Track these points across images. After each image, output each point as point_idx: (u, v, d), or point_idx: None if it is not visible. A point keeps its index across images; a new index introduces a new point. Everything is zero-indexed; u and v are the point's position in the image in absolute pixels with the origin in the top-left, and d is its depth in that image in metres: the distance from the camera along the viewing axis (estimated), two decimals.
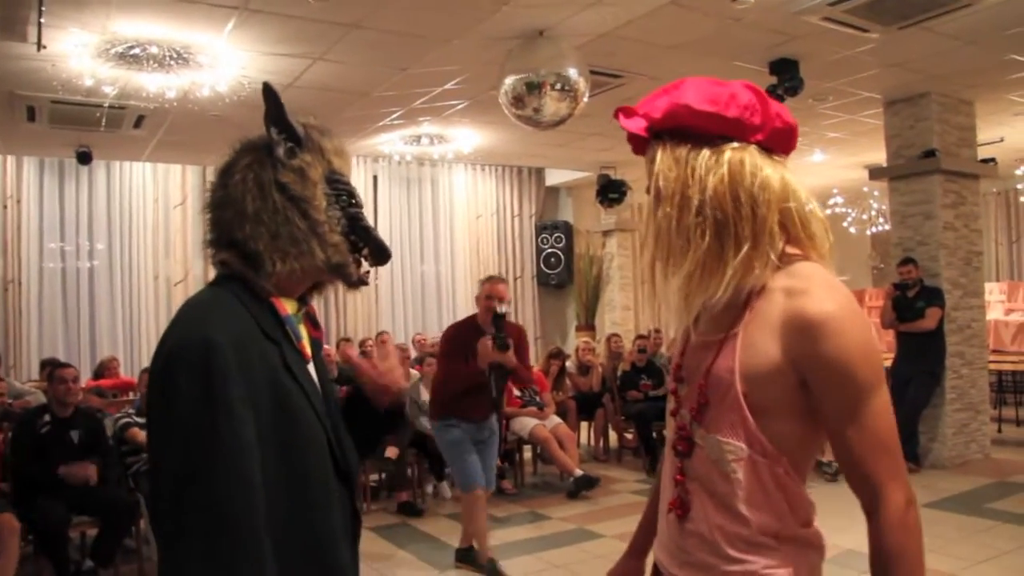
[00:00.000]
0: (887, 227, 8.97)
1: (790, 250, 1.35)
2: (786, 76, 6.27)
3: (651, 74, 6.54)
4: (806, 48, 6.06)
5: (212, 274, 1.50)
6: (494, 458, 5.10)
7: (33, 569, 4.90)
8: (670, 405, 1.49)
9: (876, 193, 11.03)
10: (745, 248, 1.30)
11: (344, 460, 1.50)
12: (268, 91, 1.50)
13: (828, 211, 11.64)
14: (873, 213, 11.28)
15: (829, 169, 10.80)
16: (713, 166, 1.33)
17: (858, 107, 7.89)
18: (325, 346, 8.68)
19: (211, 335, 1.31)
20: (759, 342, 1.30)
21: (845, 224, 11.58)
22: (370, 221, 1.57)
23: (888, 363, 8.65)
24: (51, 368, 5.44)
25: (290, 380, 1.40)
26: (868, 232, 11.55)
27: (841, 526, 5.77)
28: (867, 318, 1.31)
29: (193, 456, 1.25)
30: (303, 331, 1.52)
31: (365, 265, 1.56)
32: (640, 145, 1.45)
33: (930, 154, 7.45)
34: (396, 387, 1.66)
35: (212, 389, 1.27)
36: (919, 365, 7.36)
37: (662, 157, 1.37)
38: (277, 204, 1.44)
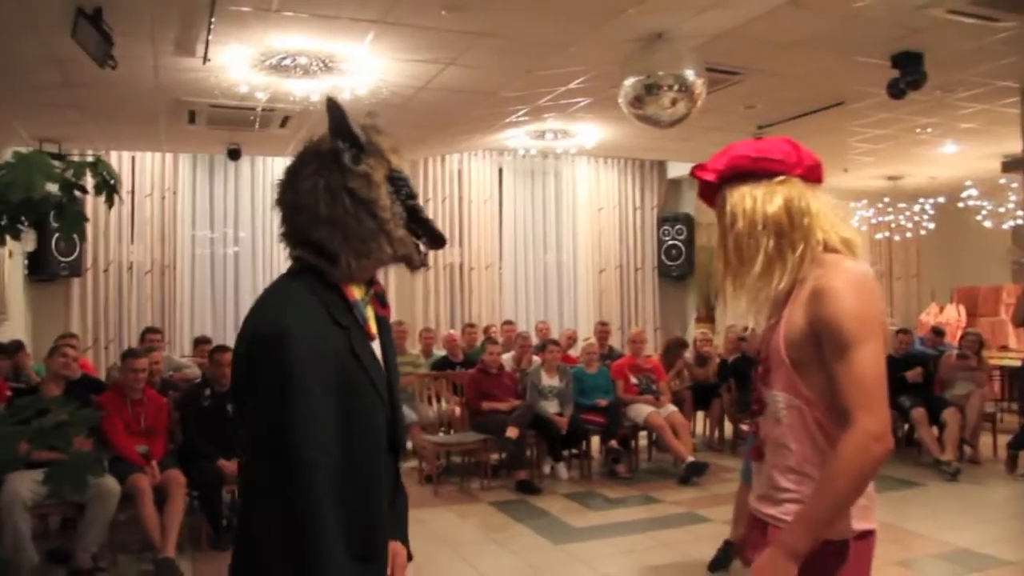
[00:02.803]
0: None
1: (830, 246, 1.77)
2: (909, 70, 6.20)
3: (771, 71, 6.61)
4: (931, 40, 5.95)
5: None
6: None
7: (194, 521, 5.55)
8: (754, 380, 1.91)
9: (1014, 185, 10.60)
10: (801, 247, 1.75)
11: (395, 433, 1.72)
12: (332, 105, 1.66)
13: (961, 204, 11.24)
14: (1011, 206, 10.83)
15: (963, 160, 10.44)
16: (771, 193, 1.80)
17: (994, 96, 7.61)
18: (450, 331, 9.16)
19: (287, 326, 1.52)
20: (795, 315, 1.72)
21: (979, 217, 11.16)
22: (427, 211, 1.76)
23: (1016, 363, 8.41)
24: (212, 351, 6.02)
25: (355, 364, 1.59)
26: (1006, 226, 11.10)
27: (958, 524, 5.81)
28: (871, 291, 1.70)
29: (276, 427, 1.50)
30: (370, 312, 1.70)
31: (425, 249, 1.74)
32: (708, 196, 1.91)
33: None
34: None
35: (288, 373, 1.49)
36: None
37: (731, 194, 1.84)
38: (348, 207, 1.61)
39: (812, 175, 1.83)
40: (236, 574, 1.61)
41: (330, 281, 1.63)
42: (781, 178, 1.79)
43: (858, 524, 1.67)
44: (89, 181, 2.64)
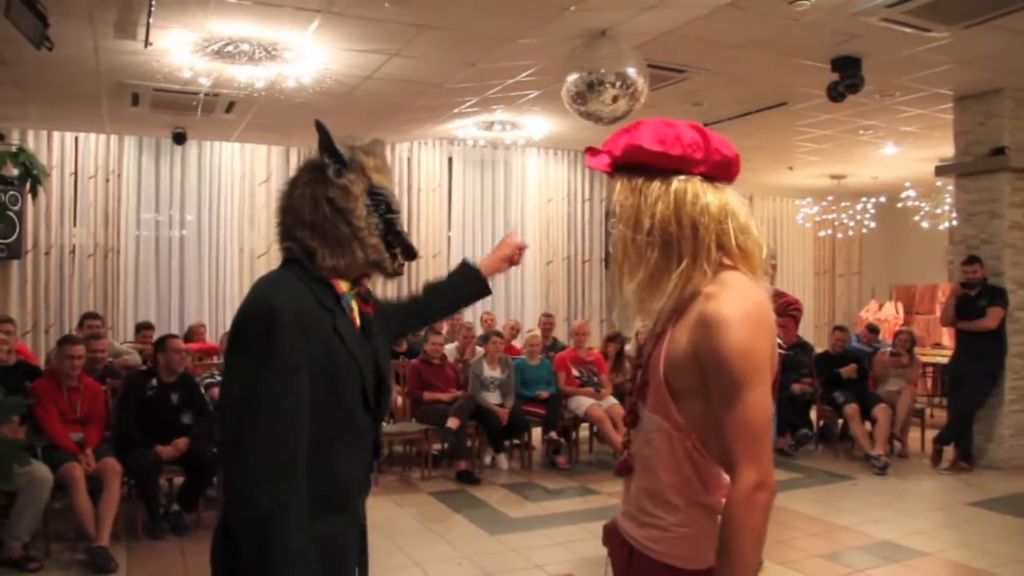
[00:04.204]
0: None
1: (726, 262, 1.59)
2: (847, 74, 6.37)
3: (715, 70, 6.72)
4: (868, 46, 6.13)
5: None
6: None
7: (129, 510, 5.46)
8: (630, 385, 1.78)
9: (950, 188, 10.91)
10: (685, 263, 1.57)
11: (376, 401, 1.89)
12: (319, 126, 1.87)
13: (900, 204, 11.53)
14: (947, 208, 11.13)
15: (902, 162, 10.72)
16: (662, 194, 1.58)
17: (929, 102, 7.86)
18: None
19: (275, 302, 1.72)
20: (679, 336, 1.56)
21: (917, 218, 11.46)
22: (403, 226, 1.94)
23: (946, 360, 8.67)
24: (161, 338, 5.88)
25: (337, 340, 1.79)
26: (942, 227, 11.41)
27: (883, 518, 5.98)
28: (763, 323, 1.54)
29: (254, 390, 1.67)
30: (355, 305, 1.91)
31: (400, 260, 1.93)
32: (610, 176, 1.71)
33: (999, 151, 7.42)
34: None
35: (271, 343, 1.67)
36: (977, 364, 7.36)
37: (620, 187, 1.64)
38: (327, 214, 1.82)
39: (722, 173, 1.62)
40: (216, 534, 1.76)
41: (315, 274, 1.84)
42: (681, 177, 1.59)
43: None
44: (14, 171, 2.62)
